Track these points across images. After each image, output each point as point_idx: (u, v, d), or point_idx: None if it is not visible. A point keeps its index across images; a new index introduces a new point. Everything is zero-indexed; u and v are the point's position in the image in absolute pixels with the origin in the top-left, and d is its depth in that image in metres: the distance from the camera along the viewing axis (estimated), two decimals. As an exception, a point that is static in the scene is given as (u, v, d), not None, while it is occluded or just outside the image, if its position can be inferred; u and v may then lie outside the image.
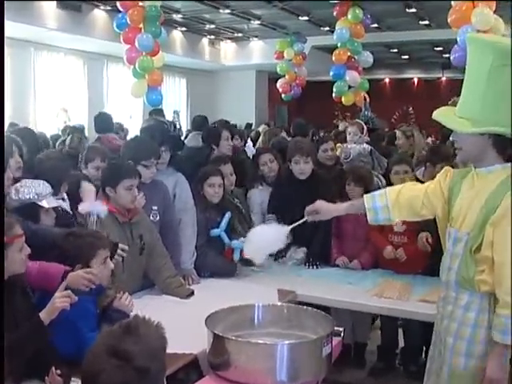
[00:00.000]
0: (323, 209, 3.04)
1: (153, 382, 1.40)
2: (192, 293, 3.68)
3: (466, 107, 2.58)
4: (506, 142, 2.53)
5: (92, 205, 3.41)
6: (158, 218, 3.93)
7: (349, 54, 10.51)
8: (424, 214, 2.88)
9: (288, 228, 3.02)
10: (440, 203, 2.76)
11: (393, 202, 2.84)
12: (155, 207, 3.91)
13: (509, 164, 2.55)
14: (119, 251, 3.25)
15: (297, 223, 3.08)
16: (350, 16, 10.27)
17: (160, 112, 7.52)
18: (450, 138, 3.04)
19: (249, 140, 8.46)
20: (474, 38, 2.63)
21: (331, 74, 10.50)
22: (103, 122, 6.54)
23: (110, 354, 1.38)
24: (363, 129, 6.14)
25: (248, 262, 3.90)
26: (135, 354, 1.36)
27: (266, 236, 3.02)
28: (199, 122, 7.28)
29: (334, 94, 10.67)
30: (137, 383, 1.35)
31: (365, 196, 2.96)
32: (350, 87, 10.62)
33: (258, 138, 8.68)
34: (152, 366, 1.38)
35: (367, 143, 5.95)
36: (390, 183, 4.52)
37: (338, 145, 6.37)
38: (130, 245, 3.51)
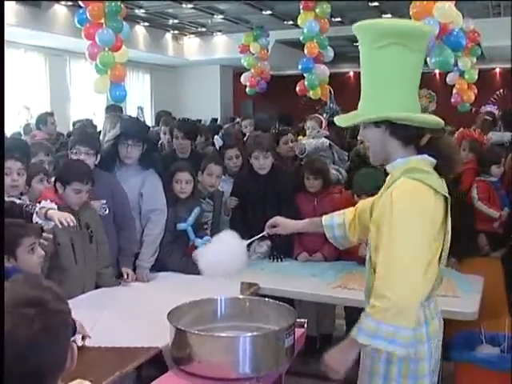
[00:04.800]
0: (281, 223, 2.94)
1: (69, 325, 1.33)
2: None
3: (361, 101, 2.39)
4: (405, 128, 2.27)
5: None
6: (107, 211, 3.90)
7: (316, 47, 10.51)
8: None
9: (246, 242, 2.95)
10: None
11: (349, 220, 2.72)
12: (103, 201, 3.88)
13: (410, 157, 2.30)
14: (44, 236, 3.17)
15: (256, 237, 3.06)
16: (317, 10, 10.27)
17: (117, 108, 7.45)
18: (358, 137, 2.90)
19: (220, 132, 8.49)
20: (355, 27, 2.39)
21: (300, 67, 10.45)
22: (39, 122, 7.58)
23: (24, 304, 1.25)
24: (322, 123, 6.14)
25: None
26: (46, 299, 1.29)
27: (225, 253, 2.88)
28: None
29: (298, 88, 10.65)
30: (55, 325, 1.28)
31: (324, 216, 2.85)
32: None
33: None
34: (65, 308, 1.32)
35: (327, 137, 5.96)
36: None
37: (300, 138, 6.38)
38: (79, 234, 3.52)
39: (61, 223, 3.04)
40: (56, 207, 3.24)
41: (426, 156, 2.31)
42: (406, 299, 2.13)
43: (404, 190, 2.20)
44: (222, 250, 2.91)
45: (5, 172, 3.42)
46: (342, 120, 2.47)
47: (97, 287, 3.69)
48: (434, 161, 2.30)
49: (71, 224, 3.10)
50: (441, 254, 2.30)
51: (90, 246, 3.61)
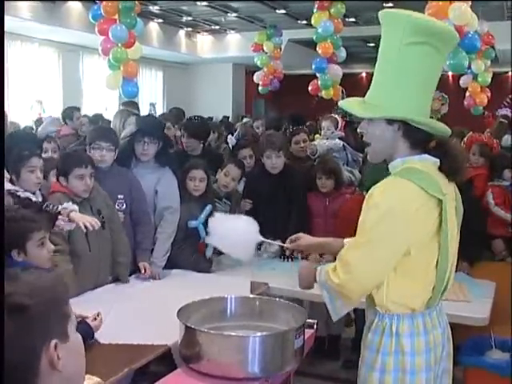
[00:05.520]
0: (303, 236, 2.82)
1: (40, 322, 1.30)
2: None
3: (374, 93, 2.28)
4: (419, 132, 2.20)
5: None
6: (125, 206, 3.91)
7: (330, 48, 10.47)
8: None
9: (260, 238, 2.86)
10: None
11: None
12: (121, 196, 3.89)
13: (408, 157, 2.23)
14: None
15: (274, 242, 3.02)
16: (332, 10, 10.23)
17: (133, 104, 7.45)
18: (358, 130, 2.74)
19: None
20: (385, 13, 2.31)
21: (313, 67, 10.41)
22: (66, 116, 7.60)
23: None
24: (338, 123, 6.07)
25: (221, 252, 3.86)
26: (7, 292, 1.26)
27: (235, 232, 2.79)
28: (176, 115, 7.25)
29: (311, 87, 10.62)
30: (14, 321, 1.26)
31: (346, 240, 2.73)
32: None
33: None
34: (32, 304, 1.29)
35: (341, 138, 5.90)
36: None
37: (317, 136, 6.36)
38: None
39: (85, 226, 3.06)
40: (77, 208, 3.25)
41: (426, 156, 2.24)
42: (351, 289, 2.19)
43: (388, 187, 2.17)
44: (235, 228, 2.81)
45: (28, 169, 3.40)
46: (353, 107, 2.33)
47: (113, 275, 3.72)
48: (436, 160, 2.23)
49: (96, 227, 3.12)
50: (440, 261, 2.21)
51: (103, 232, 3.59)
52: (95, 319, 2.77)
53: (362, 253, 2.17)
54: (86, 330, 2.63)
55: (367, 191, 4.36)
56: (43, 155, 4.61)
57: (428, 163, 2.23)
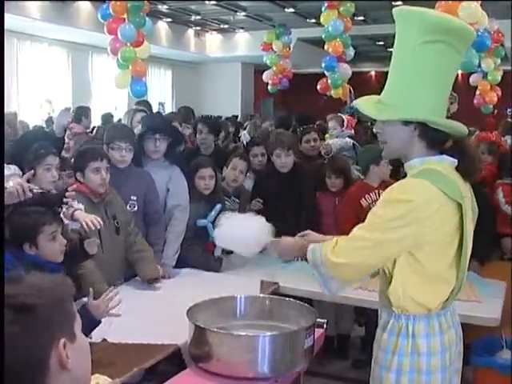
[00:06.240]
0: (310, 234, 2.74)
1: (47, 321, 1.30)
2: (156, 279, 3.68)
3: (390, 92, 2.25)
4: (436, 132, 2.17)
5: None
6: (136, 208, 3.88)
7: (339, 46, 10.44)
8: None
9: (270, 238, 2.70)
10: None
11: None
12: (134, 197, 3.86)
13: (426, 158, 2.21)
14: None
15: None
16: (341, 9, 10.20)
17: (146, 103, 7.45)
18: (374, 130, 2.71)
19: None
20: (399, 11, 2.28)
21: (323, 65, 10.39)
22: (80, 114, 7.74)
23: None
24: (343, 122, 6.07)
25: (230, 251, 3.83)
26: (13, 293, 1.26)
27: (243, 232, 2.67)
28: (185, 114, 7.25)
29: (320, 86, 10.59)
30: (22, 321, 1.24)
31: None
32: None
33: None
34: (39, 304, 1.29)
35: (350, 137, 5.89)
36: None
37: (327, 136, 6.35)
38: (106, 224, 3.49)
39: (87, 225, 3.05)
40: (83, 207, 3.24)
41: (445, 157, 2.22)
42: (348, 277, 2.26)
43: (409, 187, 2.15)
44: (244, 228, 2.68)
45: (44, 167, 3.41)
46: (367, 108, 2.30)
47: (124, 277, 3.71)
48: (454, 161, 2.21)
49: (98, 226, 3.10)
50: (460, 262, 2.21)
51: (117, 237, 3.61)
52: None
53: (370, 246, 2.15)
54: (90, 318, 2.50)
55: (364, 174, 4.43)
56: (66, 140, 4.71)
57: (446, 164, 2.21)
